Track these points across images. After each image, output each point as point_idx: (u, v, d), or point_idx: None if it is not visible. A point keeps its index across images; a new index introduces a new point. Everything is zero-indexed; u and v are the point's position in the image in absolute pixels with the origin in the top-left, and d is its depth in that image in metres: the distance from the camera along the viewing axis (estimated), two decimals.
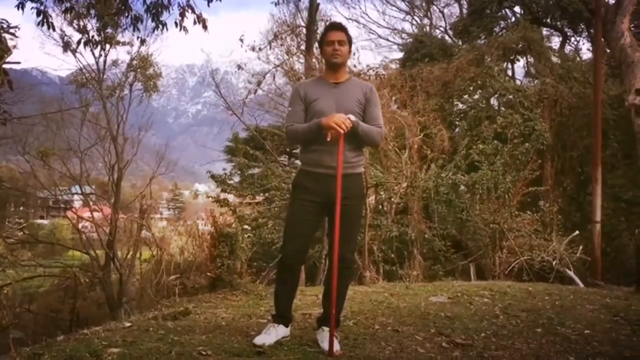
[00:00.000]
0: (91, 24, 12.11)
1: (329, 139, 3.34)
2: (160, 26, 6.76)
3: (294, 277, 3.68)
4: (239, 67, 13.04)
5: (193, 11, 6.64)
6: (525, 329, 4.17)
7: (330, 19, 13.82)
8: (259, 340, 3.39)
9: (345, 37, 3.53)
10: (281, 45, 13.12)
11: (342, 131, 3.31)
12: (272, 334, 3.47)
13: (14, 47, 4.90)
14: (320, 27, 12.42)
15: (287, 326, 3.62)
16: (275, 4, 10.95)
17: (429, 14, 24.09)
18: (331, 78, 3.60)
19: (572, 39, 18.80)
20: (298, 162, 3.88)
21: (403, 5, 25.17)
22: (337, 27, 3.61)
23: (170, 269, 7.41)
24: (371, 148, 10.03)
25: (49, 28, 6.58)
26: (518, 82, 16.74)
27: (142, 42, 10.07)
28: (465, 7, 20.53)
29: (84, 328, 4.17)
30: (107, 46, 14.66)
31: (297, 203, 3.59)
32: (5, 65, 4.79)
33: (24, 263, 13.28)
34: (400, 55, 20.79)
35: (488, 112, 14.97)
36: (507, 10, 18.56)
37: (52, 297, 13.61)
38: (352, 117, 3.38)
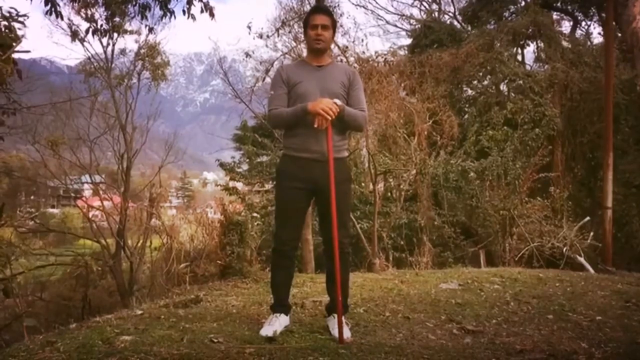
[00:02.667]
0: (99, 13, 12.07)
1: (316, 126, 3.29)
2: (168, 14, 6.77)
3: (289, 264, 3.65)
4: (247, 54, 13.00)
5: None
6: (537, 316, 4.16)
7: (338, 5, 13.72)
8: (264, 332, 3.38)
9: (329, 22, 3.48)
10: (289, 32, 13.04)
11: (329, 117, 3.26)
12: (275, 324, 3.45)
13: (23, 36, 4.90)
14: None
15: (287, 315, 3.61)
16: None
17: None
18: (314, 61, 3.55)
19: (583, 23, 18.59)
20: None
21: None
22: (321, 10, 3.56)
23: (181, 257, 7.45)
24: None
25: (57, 17, 6.58)
26: (528, 68, 16.60)
27: (150, 30, 10.10)
28: None
29: (96, 316, 4.20)
30: (115, 35, 14.61)
31: (284, 190, 3.55)
32: (14, 55, 4.79)
33: (35, 252, 13.34)
34: (408, 41, 20.60)
35: (498, 97, 14.88)
36: None
37: (64, 286, 13.70)
38: (339, 102, 3.33)
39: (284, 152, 3.63)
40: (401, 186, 12.20)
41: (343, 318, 3.49)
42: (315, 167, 3.41)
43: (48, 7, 6.17)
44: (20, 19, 4.81)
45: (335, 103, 3.30)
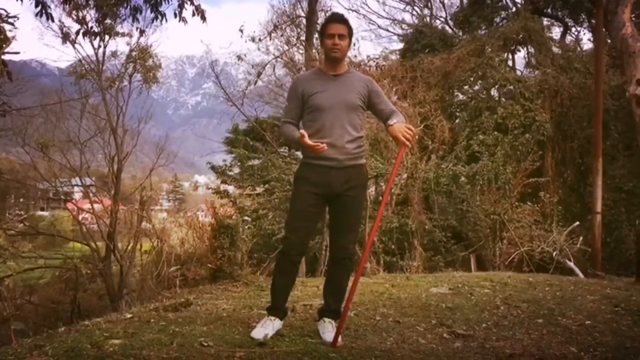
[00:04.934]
0: (90, 15, 12.06)
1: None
2: (160, 17, 6.74)
3: (293, 269, 3.67)
4: (239, 58, 13.02)
5: (192, 2, 6.62)
6: (526, 320, 4.17)
7: (330, 9, 13.76)
8: (256, 333, 3.38)
9: (346, 31, 3.49)
10: (281, 35, 13.07)
11: (409, 145, 3.40)
12: (269, 327, 3.46)
13: (13, 37, 4.87)
14: (321, 18, 12.39)
15: (282, 319, 3.61)
16: None
17: (429, 4, 23.93)
18: (330, 70, 3.57)
19: (573, 29, 18.69)
20: (298, 153, 3.87)
21: None
22: (338, 19, 3.55)
23: (171, 261, 7.43)
24: None
25: (47, 19, 6.54)
26: (519, 73, 16.66)
27: (142, 33, 10.09)
28: None
29: (85, 319, 4.18)
30: (107, 37, 14.60)
31: (299, 195, 3.58)
32: (4, 56, 4.75)
33: (24, 254, 13.28)
34: (400, 45, 20.68)
35: (488, 102, 14.92)
36: (507, 0, 18.48)
37: (53, 289, 13.63)
38: (404, 124, 3.42)
39: (303, 159, 3.68)
40: (392, 190, 12.20)
41: (333, 322, 3.51)
42: (331, 173, 3.46)
43: (39, 9, 6.14)
44: (11, 20, 4.77)
45: (408, 127, 3.38)
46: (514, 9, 17.85)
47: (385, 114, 3.56)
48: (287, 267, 3.63)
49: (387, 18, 26.27)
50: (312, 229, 3.71)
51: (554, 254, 9.62)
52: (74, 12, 13.41)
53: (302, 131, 3.40)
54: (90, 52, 15.96)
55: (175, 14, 6.67)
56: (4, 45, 4.65)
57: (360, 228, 10.63)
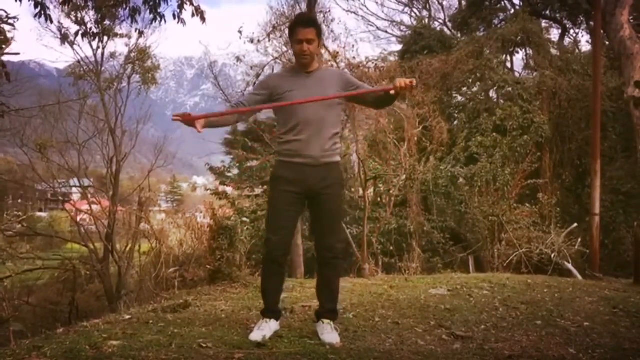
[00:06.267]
0: (89, 16, 12.07)
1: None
2: (159, 18, 6.76)
3: (280, 270, 3.64)
4: (238, 59, 12.98)
5: (191, 3, 6.62)
6: (525, 321, 4.17)
7: (329, 10, 13.74)
8: (254, 336, 3.37)
9: (314, 34, 3.43)
10: (280, 37, 13.04)
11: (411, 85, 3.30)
12: (265, 330, 3.45)
13: (12, 38, 4.87)
14: (320, 19, 12.37)
15: (277, 320, 3.60)
16: None
17: (427, 6, 24.00)
18: (303, 68, 3.54)
19: (572, 31, 18.73)
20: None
21: None
22: (306, 23, 3.48)
23: (169, 262, 7.41)
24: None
25: (46, 20, 6.55)
26: (517, 75, 16.70)
27: (140, 34, 10.04)
28: None
29: (83, 321, 4.17)
30: (105, 38, 14.62)
31: (277, 195, 3.56)
32: (3, 57, 4.76)
33: (22, 256, 13.26)
34: (399, 47, 20.71)
35: (487, 104, 14.95)
36: (506, 2, 18.50)
37: (51, 290, 13.62)
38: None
39: (278, 158, 3.65)
40: (391, 191, 12.23)
41: (332, 323, 3.51)
42: (308, 171, 3.44)
43: (37, 10, 6.14)
44: (10, 21, 4.78)
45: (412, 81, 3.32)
46: (512, 11, 17.88)
47: (370, 93, 3.60)
48: (273, 269, 3.60)
49: (385, 20, 26.30)
50: (293, 228, 3.66)
51: (553, 255, 9.62)
52: (72, 13, 13.41)
53: (200, 124, 3.36)
54: (89, 53, 15.98)
55: (174, 15, 6.68)
56: (4, 47, 4.66)
57: (359, 229, 10.69)
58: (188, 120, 3.33)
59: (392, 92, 3.35)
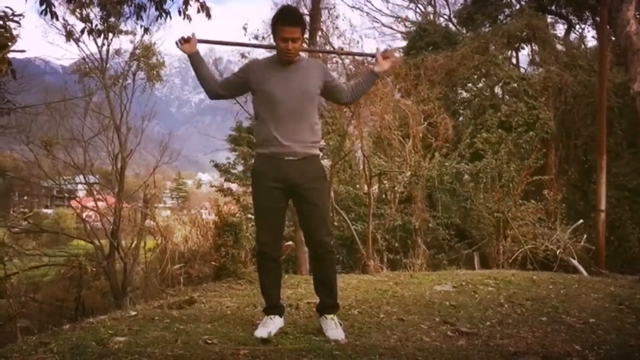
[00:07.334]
0: (94, 13, 12.04)
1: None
2: (164, 15, 6.76)
3: (275, 265, 3.63)
4: (243, 55, 12.96)
5: None
6: (530, 318, 4.17)
7: (333, 7, 13.72)
8: (259, 333, 3.38)
9: (299, 32, 3.39)
10: None
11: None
12: (270, 326, 3.46)
13: (18, 36, 4.88)
14: (324, 16, 12.35)
15: (281, 316, 3.61)
16: None
17: (432, 1, 23.94)
18: (285, 64, 3.50)
19: (577, 26, 18.67)
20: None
21: None
22: (292, 21, 3.40)
23: (175, 258, 7.44)
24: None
25: (52, 17, 6.56)
26: (522, 71, 16.65)
27: (146, 30, 10.06)
28: None
29: (89, 317, 4.19)
30: (110, 35, 14.58)
31: (261, 192, 3.54)
32: (9, 55, 4.77)
33: (28, 252, 13.27)
34: (404, 43, 20.67)
35: (492, 100, 14.91)
36: None
37: (57, 286, 13.65)
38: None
39: (256, 150, 3.62)
40: (396, 188, 12.19)
41: (336, 318, 3.51)
42: (289, 165, 3.42)
43: (43, 7, 6.16)
44: (16, 18, 4.79)
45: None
46: (517, 7, 17.82)
47: (349, 87, 3.71)
48: (268, 265, 3.61)
49: (390, 16, 26.25)
50: (282, 223, 3.67)
51: (558, 252, 9.61)
52: (77, 10, 13.41)
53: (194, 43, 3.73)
54: (94, 50, 15.95)
55: (179, 12, 6.68)
56: (10, 44, 4.67)
57: (364, 226, 10.68)
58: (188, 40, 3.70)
59: (375, 59, 3.59)
